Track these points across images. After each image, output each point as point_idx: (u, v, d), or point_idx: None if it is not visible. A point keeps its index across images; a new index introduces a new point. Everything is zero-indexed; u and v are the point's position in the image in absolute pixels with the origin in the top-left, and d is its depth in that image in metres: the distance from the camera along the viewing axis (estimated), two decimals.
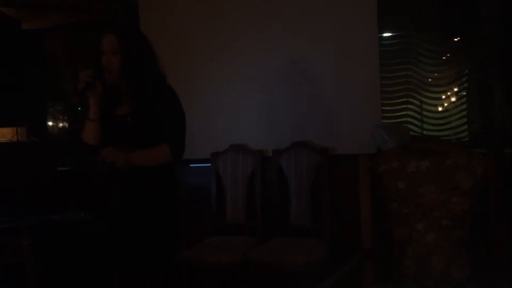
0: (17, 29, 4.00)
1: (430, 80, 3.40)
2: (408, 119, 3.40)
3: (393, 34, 3.44)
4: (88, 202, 3.65)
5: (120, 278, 2.31)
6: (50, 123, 4.59)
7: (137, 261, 2.21)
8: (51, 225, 3.32)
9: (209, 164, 3.54)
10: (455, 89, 3.34)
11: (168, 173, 2.23)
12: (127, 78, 2.13)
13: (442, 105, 3.38)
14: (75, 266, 3.34)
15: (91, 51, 2.33)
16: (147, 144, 2.13)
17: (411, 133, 3.28)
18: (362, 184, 2.30)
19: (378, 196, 2.29)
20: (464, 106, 3.32)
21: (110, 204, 2.31)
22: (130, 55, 2.10)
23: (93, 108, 2.13)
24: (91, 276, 3.21)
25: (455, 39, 3.38)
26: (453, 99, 3.35)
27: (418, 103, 3.40)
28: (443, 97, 3.38)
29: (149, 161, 2.14)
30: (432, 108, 3.39)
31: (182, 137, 2.19)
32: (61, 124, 4.63)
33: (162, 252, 2.20)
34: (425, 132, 3.39)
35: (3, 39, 3.84)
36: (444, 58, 3.39)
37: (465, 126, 3.31)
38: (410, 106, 3.40)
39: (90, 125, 2.15)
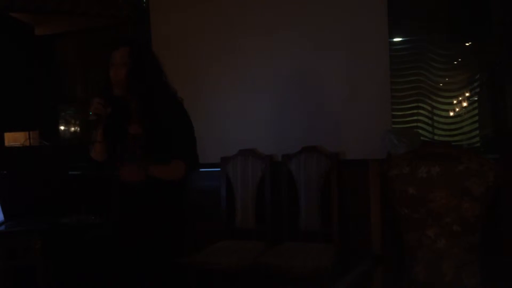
0: (30, 35, 4.05)
1: (441, 84, 3.38)
2: (419, 124, 3.38)
3: (403, 38, 3.43)
4: (97, 206, 3.67)
5: (123, 282, 2.32)
6: (62, 128, 4.64)
7: (137, 268, 2.24)
8: (62, 228, 3.34)
9: (219, 169, 3.54)
10: (467, 94, 3.32)
11: (175, 187, 2.28)
12: (132, 91, 2.19)
13: (454, 110, 3.36)
14: (85, 269, 3.35)
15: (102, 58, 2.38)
16: (160, 161, 2.19)
17: (421, 138, 3.26)
18: (372, 189, 2.29)
19: (388, 201, 2.27)
20: (475, 111, 3.29)
21: (111, 212, 2.38)
22: (137, 67, 2.16)
23: (100, 131, 2.27)
24: (99, 280, 3.22)
25: (466, 43, 3.36)
26: (464, 104, 3.33)
27: (429, 108, 3.38)
28: (455, 101, 3.36)
29: (167, 176, 2.22)
30: (443, 113, 3.37)
31: (196, 154, 2.30)
32: (72, 129, 4.68)
33: (161, 259, 2.24)
34: (436, 137, 3.37)
35: (16, 44, 3.89)
36: (455, 62, 3.37)
37: (477, 131, 3.29)
38: (421, 111, 3.39)
39: (98, 146, 2.30)
